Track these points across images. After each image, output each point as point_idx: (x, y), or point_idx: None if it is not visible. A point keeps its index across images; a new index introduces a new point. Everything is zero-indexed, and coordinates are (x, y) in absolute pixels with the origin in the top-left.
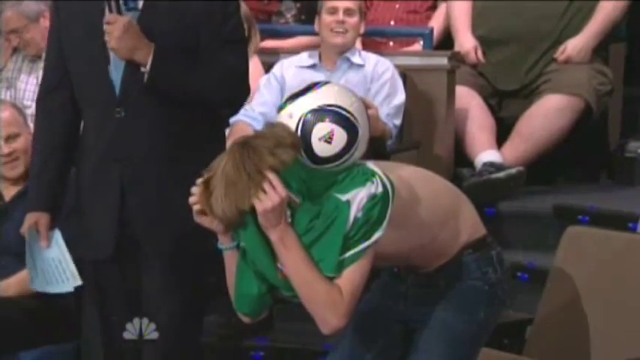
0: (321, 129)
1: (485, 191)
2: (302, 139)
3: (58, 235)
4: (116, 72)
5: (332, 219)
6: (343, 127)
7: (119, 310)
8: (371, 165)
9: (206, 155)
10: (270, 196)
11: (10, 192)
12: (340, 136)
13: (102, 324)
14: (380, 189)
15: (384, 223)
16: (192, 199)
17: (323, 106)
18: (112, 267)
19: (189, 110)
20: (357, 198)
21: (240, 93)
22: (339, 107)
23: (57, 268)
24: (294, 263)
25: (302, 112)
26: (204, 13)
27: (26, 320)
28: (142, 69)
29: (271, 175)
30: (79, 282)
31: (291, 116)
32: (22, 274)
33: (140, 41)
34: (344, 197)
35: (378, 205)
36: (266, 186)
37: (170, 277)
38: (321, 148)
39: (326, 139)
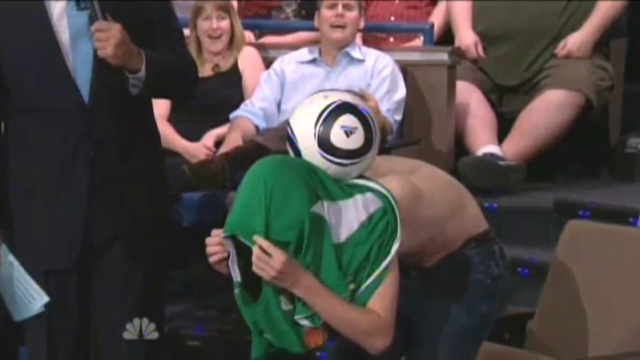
0: (349, 120)
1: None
2: (326, 118)
3: (7, 251)
4: (81, 77)
5: (320, 243)
6: (365, 134)
7: (67, 326)
8: (362, 181)
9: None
10: (271, 264)
11: None
12: (357, 139)
13: (48, 339)
14: (379, 204)
15: (398, 234)
16: (210, 249)
17: (360, 107)
18: (68, 277)
19: (143, 107)
20: (352, 214)
21: (196, 83)
22: (372, 120)
23: (19, 288)
24: (326, 307)
25: (339, 98)
26: (156, 11)
27: None
28: (129, 75)
29: (263, 243)
30: (45, 298)
31: (327, 97)
32: None
33: (132, 47)
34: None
35: (386, 220)
36: (262, 256)
37: (132, 282)
38: (337, 136)
39: (346, 131)
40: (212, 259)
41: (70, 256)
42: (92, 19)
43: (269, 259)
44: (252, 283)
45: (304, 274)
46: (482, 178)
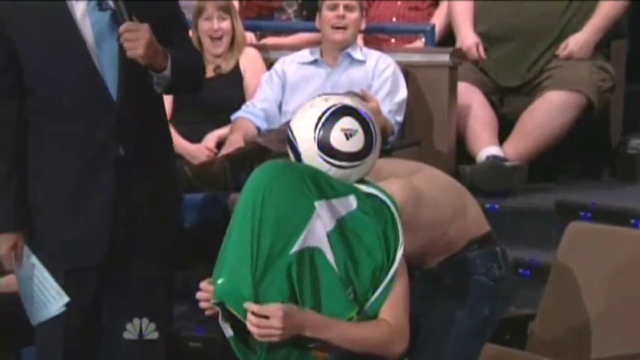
0: (349, 123)
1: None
2: (326, 121)
3: (29, 252)
4: (108, 76)
5: (315, 274)
6: (365, 137)
7: (82, 319)
8: (363, 186)
9: (170, 144)
10: (272, 325)
11: None
12: (357, 142)
13: (66, 332)
14: (355, 205)
15: (401, 239)
16: (202, 305)
17: (361, 110)
18: (88, 276)
19: (160, 106)
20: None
21: (204, 73)
22: (373, 123)
23: (39, 289)
24: (336, 336)
25: (339, 101)
26: (168, 8)
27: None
28: (154, 73)
29: (255, 308)
30: (65, 298)
31: (327, 100)
32: None
33: (158, 46)
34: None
35: (390, 227)
36: (260, 322)
37: (150, 281)
38: (337, 139)
39: (346, 134)
40: (207, 314)
41: (97, 254)
42: (117, 20)
43: (268, 322)
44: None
45: (305, 315)
46: (490, 181)
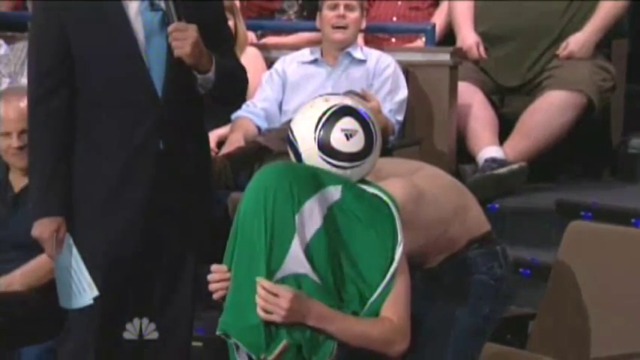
0: (349, 123)
1: (488, 187)
2: (326, 121)
3: (70, 240)
4: (155, 73)
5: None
6: (366, 137)
7: (119, 309)
8: (363, 186)
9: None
10: (280, 304)
11: (20, 182)
12: (358, 142)
13: (100, 324)
14: (338, 195)
15: (399, 238)
16: (212, 286)
17: (362, 111)
18: (126, 265)
19: (202, 109)
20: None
21: (247, 87)
22: (373, 123)
23: (74, 279)
24: (339, 329)
25: (340, 102)
26: (215, 13)
27: (29, 315)
28: (198, 75)
29: (266, 284)
30: (95, 292)
31: (327, 100)
32: (25, 268)
33: (204, 48)
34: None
35: (389, 226)
36: (270, 297)
37: (184, 274)
38: (337, 139)
39: (347, 134)
40: (215, 296)
41: (129, 248)
42: (167, 19)
43: (276, 300)
44: None
45: (312, 304)
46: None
